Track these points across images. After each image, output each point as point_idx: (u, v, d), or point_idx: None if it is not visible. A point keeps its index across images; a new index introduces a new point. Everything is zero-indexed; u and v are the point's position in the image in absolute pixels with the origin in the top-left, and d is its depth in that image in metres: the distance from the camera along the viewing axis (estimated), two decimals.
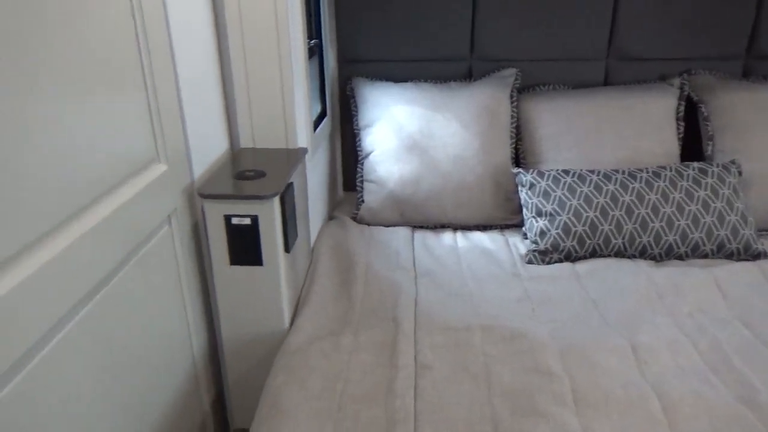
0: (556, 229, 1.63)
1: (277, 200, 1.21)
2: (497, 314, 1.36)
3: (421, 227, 1.89)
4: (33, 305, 0.77)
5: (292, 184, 1.33)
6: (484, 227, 1.89)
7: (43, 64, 0.78)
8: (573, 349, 1.22)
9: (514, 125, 1.94)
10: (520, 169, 1.78)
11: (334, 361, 1.22)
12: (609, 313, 1.39)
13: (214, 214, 1.22)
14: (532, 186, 1.72)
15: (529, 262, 1.65)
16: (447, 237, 1.81)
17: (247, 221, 1.21)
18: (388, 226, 1.88)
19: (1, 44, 0.71)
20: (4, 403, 0.72)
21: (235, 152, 1.48)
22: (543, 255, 1.64)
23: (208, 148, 1.34)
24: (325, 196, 1.94)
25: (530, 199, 1.71)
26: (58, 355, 0.83)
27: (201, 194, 1.20)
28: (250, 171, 1.30)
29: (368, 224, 1.89)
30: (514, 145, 1.93)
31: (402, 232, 1.82)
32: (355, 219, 1.91)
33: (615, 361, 1.19)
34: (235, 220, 1.21)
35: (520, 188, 1.77)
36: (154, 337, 1.12)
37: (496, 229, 1.89)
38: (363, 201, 1.89)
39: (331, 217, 1.97)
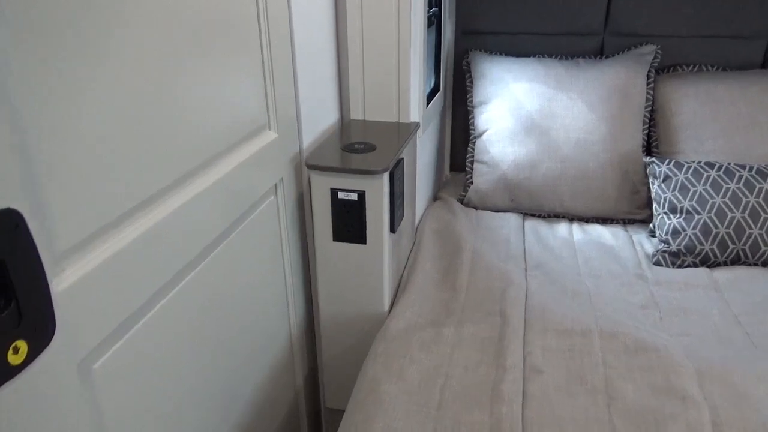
0: (693, 229, 1.43)
1: (386, 176, 1.14)
2: (619, 320, 1.21)
3: (533, 215, 1.75)
4: (145, 264, 0.74)
5: (402, 160, 1.24)
6: (604, 220, 1.71)
7: (158, 21, 0.74)
8: (713, 372, 1.05)
9: (649, 109, 1.73)
10: (654, 158, 1.58)
11: (435, 353, 1.13)
12: (756, 332, 1.20)
13: (321, 186, 1.16)
14: (666, 178, 1.53)
15: (657, 263, 1.46)
16: (562, 228, 1.66)
17: (354, 197, 1.15)
18: (496, 212, 1.75)
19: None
20: (107, 365, 0.70)
21: (345, 123, 1.42)
22: (674, 257, 1.45)
23: (318, 117, 1.29)
24: (432, 176, 1.84)
25: (663, 193, 1.52)
26: (162, 317, 0.80)
27: (309, 165, 1.14)
28: (360, 143, 1.23)
29: (476, 208, 1.78)
30: (647, 132, 1.73)
31: (512, 219, 1.69)
32: (461, 201, 1.80)
33: (765, 392, 1.01)
34: (341, 195, 1.15)
35: (651, 180, 1.58)
36: (255, 307, 1.09)
37: (618, 223, 1.71)
38: (472, 183, 1.78)
39: (436, 197, 1.87)
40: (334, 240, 1.20)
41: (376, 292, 1.24)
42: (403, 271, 1.42)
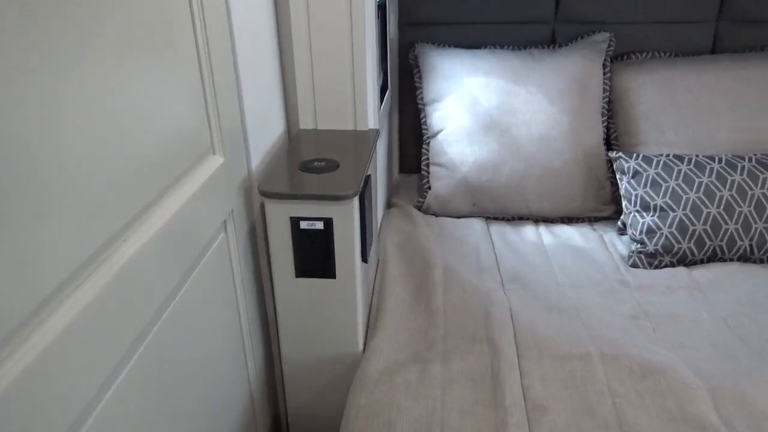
0: (669, 227, 1.37)
1: (356, 200, 0.97)
2: (615, 338, 1.12)
3: (496, 218, 1.64)
4: (78, 359, 0.54)
5: (369, 177, 1.08)
6: (569, 219, 1.63)
7: (71, 22, 0.54)
8: (725, 391, 0.98)
9: (606, 100, 1.66)
10: (620, 153, 1.51)
11: (424, 397, 0.99)
12: (749, 336, 1.14)
13: (278, 216, 0.98)
14: (636, 174, 1.45)
15: (634, 265, 1.39)
16: (528, 231, 1.55)
17: (320, 225, 0.98)
18: (458, 218, 1.63)
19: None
20: None
21: (293, 135, 1.24)
22: (651, 257, 1.38)
23: (265, 130, 1.10)
24: (384, 181, 1.69)
25: (634, 189, 1.45)
26: (114, 407, 0.60)
27: (262, 192, 0.96)
28: (319, 161, 1.06)
29: (435, 214, 1.65)
30: (605, 125, 1.66)
31: (477, 225, 1.57)
32: (419, 208, 1.66)
33: None
34: (304, 225, 0.98)
35: (619, 176, 1.50)
36: (212, 366, 0.90)
37: (583, 222, 1.63)
38: (429, 187, 1.64)
39: (389, 204, 1.73)
40: (297, 276, 1.03)
41: (348, 331, 1.08)
42: (372, 297, 1.27)
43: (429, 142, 1.67)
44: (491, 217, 1.64)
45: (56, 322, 0.53)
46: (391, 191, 1.81)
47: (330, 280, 1.03)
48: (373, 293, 1.28)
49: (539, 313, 1.20)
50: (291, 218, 0.98)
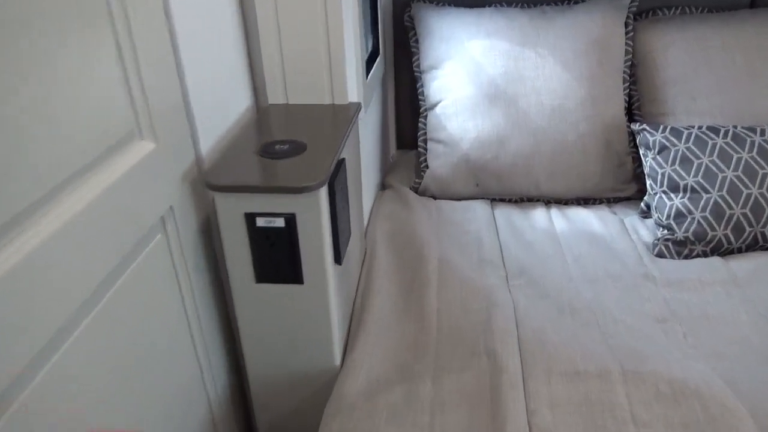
0: (703, 211, 1.18)
1: (323, 191, 0.80)
2: (639, 347, 0.95)
3: (502, 200, 1.46)
4: None
5: (343, 161, 0.91)
6: (584, 201, 1.45)
7: None
8: None
9: (628, 64, 1.45)
10: (644, 125, 1.31)
11: (411, 425, 0.83)
12: None
13: (231, 212, 0.81)
14: (663, 149, 1.26)
15: (660, 254, 1.21)
16: (539, 215, 1.37)
17: (280, 223, 0.81)
18: (459, 200, 1.45)
19: None
20: None
21: (262, 111, 1.06)
22: (680, 246, 1.20)
23: (221, 108, 0.92)
24: (378, 159, 1.51)
25: (660, 167, 1.25)
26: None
27: (210, 185, 0.79)
28: (282, 143, 0.88)
29: (434, 197, 1.47)
30: (627, 92, 1.45)
31: (479, 209, 1.40)
32: (416, 190, 1.48)
33: None
34: (261, 222, 0.81)
35: (644, 152, 1.31)
36: (158, 389, 0.74)
37: (601, 203, 1.44)
38: (427, 166, 1.46)
39: (384, 185, 1.55)
40: (257, 281, 0.86)
41: (321, 344, 0.92)
42: (355, 295, 1.11)
43: (426, 116, 1.49)
44: (496, 199, 1.46)
45: None
46: (387, 170, 1.63)
47: (297, 286, 0.86)
48: (357, 293, 1.12)
49: (549, 316, 1.03)
50: (245, 214, 0.81)
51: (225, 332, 0.97)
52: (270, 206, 0.80)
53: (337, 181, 0.85)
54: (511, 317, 1.01)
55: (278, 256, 0.84)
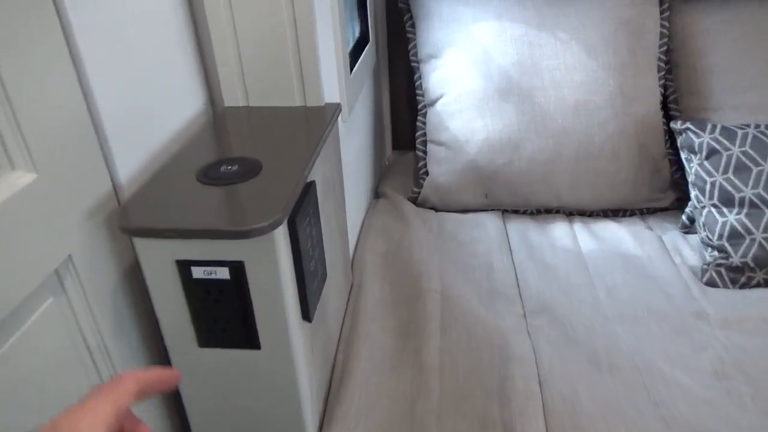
0: (765, 231, 0.96)
1: (281, 232, 0.59)
2: (698, 421, 0.73)
3: (515, 211, 1.24)
4: None
5: (312, 184, 0.69)
6: (614, 213, 1.23)
7: None
8: None
9: (664, 50, 1.22)
10: (689, 124, 1.08)
11: None
12: None
13: (157, 260, 0.60)
14: (713, 153, 1.04)
15: (710, 282, 0.99)
16: (560, 232, 1.16)
17: (224, 274, 0.59)
18: (465, 212, 1.23)
19: None
20: None
21: (218, 114, 0.85)
22: (736, 273, 0.98)
23: (151, 116, 0.71)
24: (370, 164, 1.30)
25: (709, 176, 1.03)
26: None
27: (124, 228, 0.58)
28: (231, 162, 0.67)
29: (435, 209, 1.25)
30: (662, 83, 1.23)
31: (490, 224, 1.18)
32: (414, 201, 1.27)
33: None
34: (198, 273, 0.60)
35: (687, 155, 1.09)
36: None
37: (633, 215, 1.22)
38: (427, 173, 1.24)
39: (377, 193, 1.34)
40: (200, 346, 0.65)
41: (287, 420, 0.70)
42: (338, 339, 0.90)
43: (425, 113, 1.27)
44: (509, 210, 1.24)
45: None
46: (381, 175, 1.42)
47: (253, 352, 0.65)
48: (340, 336, 0.91)
49: (581, 372, 0.82)
50: (177, 262, 0.60)
51: (169, 409, 0.76)
52: (209, 253, 0.59)
53: (301, 215, 0.63)
54: (534, 375, 0.80)
55: (225, 314, 0.63)
